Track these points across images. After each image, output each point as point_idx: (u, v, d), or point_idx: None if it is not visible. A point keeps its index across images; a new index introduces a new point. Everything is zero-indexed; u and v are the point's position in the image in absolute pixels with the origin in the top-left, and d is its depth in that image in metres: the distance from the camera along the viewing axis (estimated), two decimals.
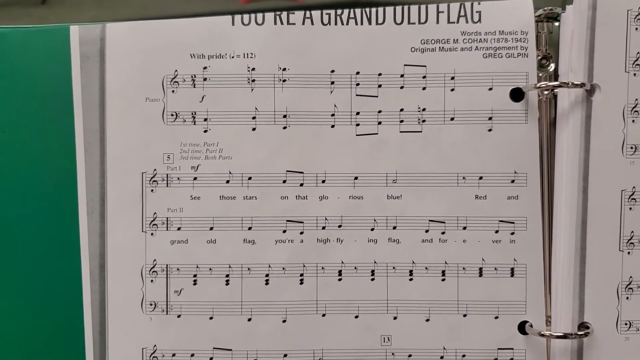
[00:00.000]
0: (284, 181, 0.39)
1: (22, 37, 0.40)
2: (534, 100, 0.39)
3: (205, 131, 0.39)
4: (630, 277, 0.38)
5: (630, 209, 0.38)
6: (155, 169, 0.39)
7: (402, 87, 0.39)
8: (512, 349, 0.39)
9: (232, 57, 0.39)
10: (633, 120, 0.38)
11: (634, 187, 0.38)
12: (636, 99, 0.38)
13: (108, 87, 0.39)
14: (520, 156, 0.39)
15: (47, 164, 0.40)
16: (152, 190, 0.39)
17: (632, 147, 0.38)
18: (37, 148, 0.40)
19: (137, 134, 0.39)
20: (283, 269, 0.39)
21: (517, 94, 0.39)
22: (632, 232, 0.38)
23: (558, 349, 0.38)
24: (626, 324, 0.39)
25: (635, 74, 0.38)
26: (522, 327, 0.39)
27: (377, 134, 0.39)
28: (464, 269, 0.39)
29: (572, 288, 0.38)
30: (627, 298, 0.39)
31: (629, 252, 0.38)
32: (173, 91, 0.39)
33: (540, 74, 0.39)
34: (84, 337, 0.39)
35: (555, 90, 0.39)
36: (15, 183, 0.40)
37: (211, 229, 0.39)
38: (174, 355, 0.39)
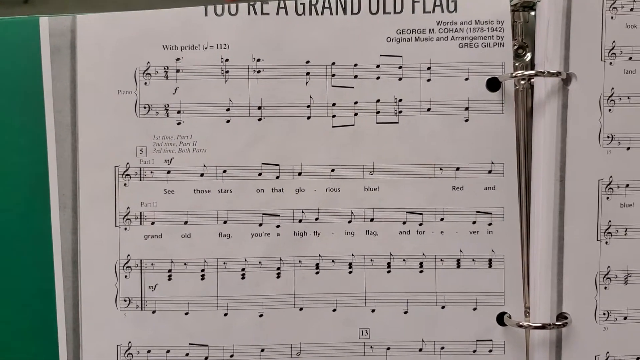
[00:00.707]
0: (260, 174, 0.39)
1: None
2: (511, 90, 0.39)
3: (179, 124, 0.39)
4: (608, 266, 0.38)
5: (608, 198, 0.38)
6: (128, 163, 0.39)
7: (378, 78, 0.39)
8: (491, 340, 0.39)
9: (206, 48, 0.38)
10: (609, 109, 0.38)
11: (610, 177, 0.38)
12: (612, 88, 0.38)
13: (79, 79, 0.39)
14: (497, 146, 0.39)
15: (18, 159, 0.39)
16: (125, 184, 0.39)
17: (608, 137, 0.38)
18: (7, 142, 0.39)
19: (110, 127, 0.39)
20: (259, 263, 0.39)
21: (493, 84, 0.39)
22: (610, 221, 0.38)
23: (537, 340, 0.38)
24: (604, 313, 0.38)
25: (611, 63, 0.38)
26: (500, 319, 0.39)
27: (353, 125, 0.39)
28: (441, 260, 0.39)
29: (550, 278, 0.38)
30: (605, 288, 0.38)
31: (606, 242, 0.38)
32: (145, 83, 0.39)
33: (516, 64, 0.39)
34: (57, 334, 0.39)
35: (531, 80, 0.38)
36: None
37: (186, 223, 0.39)
38: (149, 351, 0.39)
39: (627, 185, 0.38)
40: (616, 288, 0.38)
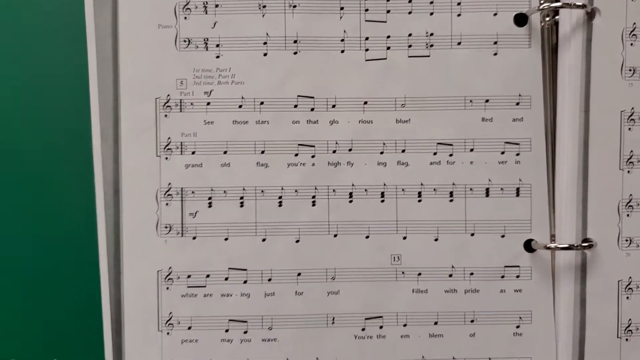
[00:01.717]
0: (295, 106, 0.40)
1: None
2: (537, 26, 0.40)
3: (218, 57, 0.40)
4: (630, 195, 0.40)
5: (630, 129, 0.40)
6: (168, 95, 0.40)
7: (410, 13, 0.40)
8: (518, 266, 0.40)
9: None
10: (631, 44, 0.40)
11: (632, 108, 0.40)
12: (634, 23, 0.40)
13: (120, 14, 0.40)
14: (525, 79, 0.40)
15: (59, 93, 0.41)
16: (165, 116, 0.40)
17: (630, 70, 0.40)
18: (49, 77, 0.41)
19: (150, 61, 0.40)
20: (295, 191, 0.40)
21: (520, 19, 0.40)
22: (632, 151, 0.40)
23: (563, 264, 0.40)
24: (627, 240, 0.40)
25: None
26: (527, 246, 0.40)
27: (385, 58, 0.40)
28: (471, 189, 0.40)
29: (575, 206, 0.40)
30: (628, 215, 0.40)
31: (628, 171, 0.40)
32: (185, 18, 0.40)
33: (542, 1, 0.40)
34: (98, 262, 0.40)
35: (556, 17, 0.40)
36: (28, 112, 0.41)
37: (225, 152, 0.40)
38: (189, 276, 0.40)
39: None
40: (638, 216, 0.40)
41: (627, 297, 0.40)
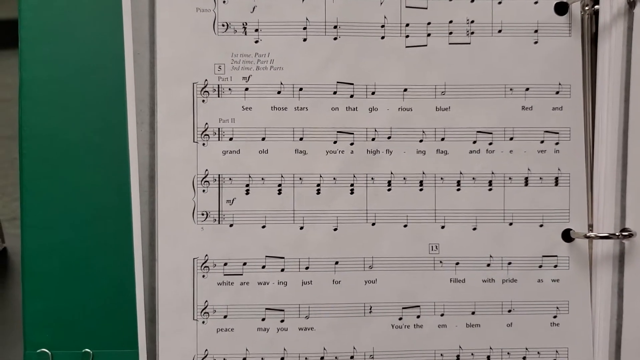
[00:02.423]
0: (335, 92, 0.40)
1: None
2: (577, 15, 0.40)
3: (257, 42, 0.39)
4: None
5: None
6: (206, 80, 0.39)
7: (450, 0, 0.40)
8: (556, 256, 0.40)
9: None
10: None
11: None
12: None
13: None
14: (564, 68, 0.40)
15: (96, 75, 0.40)
16: (203, 101, 0.39)
17: None
18: (85, 58, 0.40)
19: (188, 45, 0.39)
20: (334, 178, 0.40)
21: (561, 8, 0.40)
22: None
23: (600, 254, 0.40)
24: None
25: None
26: (566, 235, 0.40)
27: (426, 45, 0.40)
28: (510, 178, 0.40)
29: (614, 195, 0.40)
30: None
31: None
32: (224, 1, 0.39)
33: None
34: (132, 249, 0.39)
35: (596, 6, 0.40)
36: (64, 94, 0.40)
37: (263, 139, 0.39)
38: (225, 264, 0.39)
39: None
40: None
41: None
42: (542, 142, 0.40)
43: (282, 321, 0.39)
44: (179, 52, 0.39)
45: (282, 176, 0.39)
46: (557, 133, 0.40)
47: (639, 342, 0.40)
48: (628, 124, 0.40)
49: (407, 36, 0.40)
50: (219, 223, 0.39)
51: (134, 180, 0.39)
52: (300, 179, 0.40)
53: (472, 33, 0.40)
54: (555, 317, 0.40)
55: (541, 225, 0.40)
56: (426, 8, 0.40)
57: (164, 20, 0.39)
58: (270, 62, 0.39)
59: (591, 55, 0.40)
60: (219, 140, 0.39)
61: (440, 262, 0.40)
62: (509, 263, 0.40)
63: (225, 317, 0.39)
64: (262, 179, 0.39)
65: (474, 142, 0.40)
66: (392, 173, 0.40)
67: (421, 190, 0.40)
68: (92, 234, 0.40)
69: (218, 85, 0.39)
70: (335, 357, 0.39)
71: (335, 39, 0.40)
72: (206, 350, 0.39)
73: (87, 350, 0.40)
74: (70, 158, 0.40)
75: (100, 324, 0.40)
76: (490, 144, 0.40)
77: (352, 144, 0.40)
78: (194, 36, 0.39)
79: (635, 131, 0.40)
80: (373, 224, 0.40)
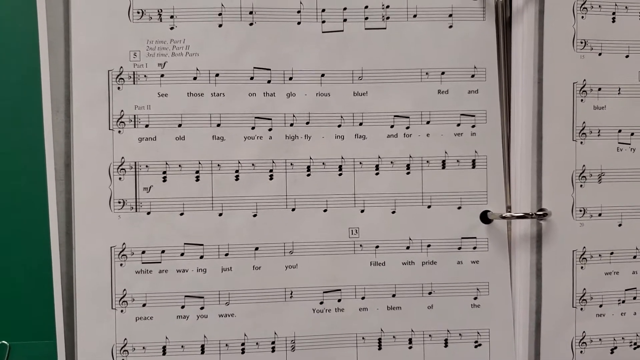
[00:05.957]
0: (252, 78, 0.40)
1: None
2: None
3: (172, 28, 0.39)
4: (583, 165, 0.41)
5: (582, 100, 0.41)
6: (121, 67, 0.39)
7: None
8: (475, 237, 0.41)
9: None
10: (582, 17, 0.40)
11: (584, 80, 0.40)
12: None
13: None
14: (480, 52, 0.40)
15: (10, 62, 0.39)
16: (118, 88, 0.39)
17: (581, 42, 0.40)
18: None
19: (103, 32, 0.39)
20: (252, 165, 0.40)
21: None
22: (584, 122, 0.41)
23: (518, 235, 0.40)
24: (580, 210, 0.41)
25: None
26: (484, 217, 0.41)
27: (342, 31, 0.40)
28: (427, 162, 0.40)
29: (530, 176, 0.40)
30: (581, 186, 0.41)
31: (581, 142, 0.41)
32: None
33: None
34: (49, 238, 0.38)
35: None
36: None
37: (180, 125, 0.39)
38: (143, 252, 0.39)
39: (600, 89, 0.41)
40: (591, 186, 0.41)
41: (582, 267, 0.41)
42: (458, 125, 0.40)
43: (201, 308, 0.39)
44: (94, 39, 0.39)
45: (199, 163, 0.39)
46: (474, 116, 0.40)
47: (557, 322, 0.40)
48: (542, 105, 0.40)
49: (323, 21, 0.40)
50: (136, 211, 0.39)
51: (50, 169, 0.39)
52: (218, 165, 0.39)
53: (388, 18, 0.40)
54: (475, 298, 0.40)
55: (459, 208, 0.41)
56: None
57: (78, 7, 0.39)
58: (186, 49, 0.39)
59: (506, 38, 0.41)
60: (134, 127, 0.39)
61: (361, 245, 0.40)
62: (429, 245, 0.40)
63: (144, 305, 0.39)
64: (180, 165, 0.39)
65: (392, 126, 0.40)
66: (311, 158, 0.40)
67: (340, 175, 0.40)
68: (7, 222, 0.39)
69: (133, 72, 0.39)
70: (256, 343, 0.39)
71: (251, 24, 0.40)
72: (125, 339, 0.39)
73: (3, 342, 0.39)
74: None
75: (17, 315, 0.39)
76: (408, 127, 0.40)
77: (270, 129, 0.40)
78: (109, 23, 0.39)
79: (549, 113, 0.40)
80: (293, 209, 0.40)
